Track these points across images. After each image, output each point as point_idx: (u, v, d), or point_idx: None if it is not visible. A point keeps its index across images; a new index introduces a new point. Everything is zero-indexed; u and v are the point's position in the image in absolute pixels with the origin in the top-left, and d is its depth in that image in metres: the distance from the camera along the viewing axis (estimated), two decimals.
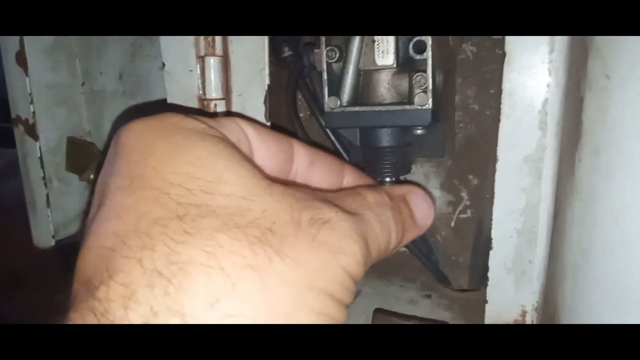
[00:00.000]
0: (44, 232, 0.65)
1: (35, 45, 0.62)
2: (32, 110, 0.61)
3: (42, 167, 0.63)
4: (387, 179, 0.40)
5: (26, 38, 0.60)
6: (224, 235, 0.22)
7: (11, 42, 0.60)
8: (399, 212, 0.31)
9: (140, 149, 0.25)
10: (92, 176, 0.60)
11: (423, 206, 0.34)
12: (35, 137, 0.62)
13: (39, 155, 0.62)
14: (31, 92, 0.61)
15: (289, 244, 0.23)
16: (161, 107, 0.49)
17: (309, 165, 0.34)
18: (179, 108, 0.47)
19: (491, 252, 0.38)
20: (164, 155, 0.25)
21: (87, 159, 0.64)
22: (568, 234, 0.34)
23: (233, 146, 0.27)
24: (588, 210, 0.32)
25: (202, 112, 0.46)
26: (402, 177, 0.41)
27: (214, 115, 0.46)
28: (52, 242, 0.65)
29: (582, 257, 0.33)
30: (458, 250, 0.46)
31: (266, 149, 0.31)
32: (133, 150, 0.25)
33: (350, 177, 0.37)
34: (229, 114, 0.47)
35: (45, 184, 0.63)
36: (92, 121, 0.68)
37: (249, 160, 0.26)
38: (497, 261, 0.38)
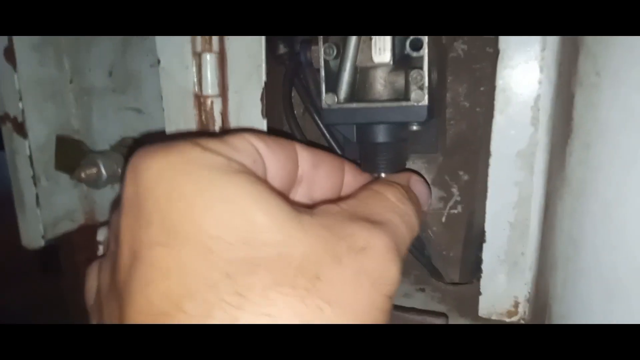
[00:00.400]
0: (34, 232, 0.64)
1: (24, 41, 0.61)
2: (21, 107, 0.61)
3: (32, 165, 0.62)
4: (383, 175, 0.41)
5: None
6: (276, 292, 0.22)
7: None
8: (415, 203, 0.32)
9: (167, 194, 0.25)
10: (82, 175, 0.60)
11: (423, 190, 0.35)
12: (24, 135, 0.62)
13: (28, 153, 0.62)
14: (20, 88, 0.60)
15: (335, 286, 0.24)
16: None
17: (312, 168, 0.34)
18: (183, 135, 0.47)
19: (484, 245, 0.39)
20: (196, 204, 0.24)
21: (77, 157, 0.63)
22: (559, 226, 0.35)
23: (255, 178, 0.26)
24: (578, 203, 0.33)
25: (201, 109, 0.47)
26: None
27: (212, 110, 0.46)
28: (42, 242, 0.64)
29: (572, 248, 0.34)
30: (449, 245, 0.47)
31: (277, 161, 0.31)
32: (160, 196, 0.25)
33: (349, 174, 0.38)
34: (224, 112, 0.47)
35: (35, 183, 0.63)
36: (81, 118, 0.68)
37: (272, 190, 0.26)
38: (490, 253, 0.39)
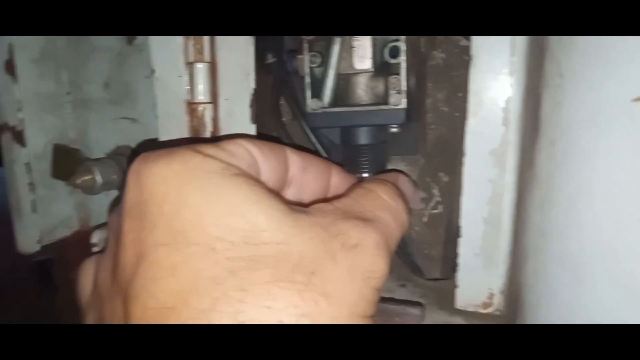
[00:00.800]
0: (30, 237, 0.66)
1: (24, 54, 0.64)
2: (20, 117, 0.63)
3: (30, 173, 0.64)
4: (366, 175, 0.43)
5: (16, 47, 0.62)
6: (276, 287, 0.24)
7: (0, 51, 0.63)
8: (404, 201, 0.34)
9: (171, 199, 0.26)
10: (78, 181, 0.61)
11: (411, 189, 0.37)
12: (23, 144, 0.64)
13: (26, 161, 0.64)
14: (20, 99, 0.63)
15: (329, 280, 0.25)
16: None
17: (302, 171, 0.36)
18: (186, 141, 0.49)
19: (460, 240, 0.41)
20: (199, 207, 0.26)
21: (73, 165, 0.65)
22: (529, 219, 0.37)
23: (253, 181, 0.28)
24: (546, 196, 0.36)
25: (193, 115, 0.49)
26: None
27: (203, 117, 0.49)
28: (38, 247, 0.66)
29: (541, 240, 0.36)
30: (431, 244, 0.49)
31: (269, 164, 0.32)
32: (164, 200, 0.26)
33: (337, 176, 0.39)
34: (216, 118, 0.49)
35: (32, 190, 0.65)
36: (78, 128, 0.70)
37: (269, 192, 0.28)
38: (466, 248, 0.41)
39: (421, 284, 0.47)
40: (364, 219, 0.29)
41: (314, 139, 0.49)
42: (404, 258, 0.47)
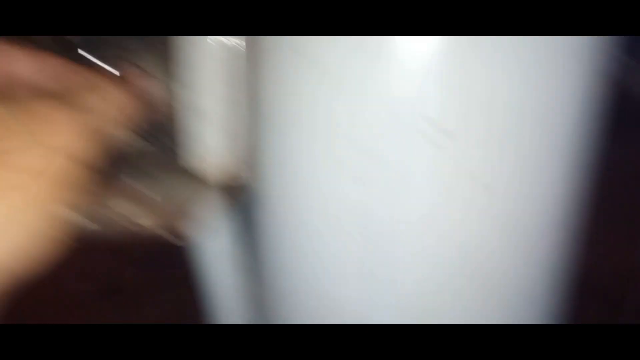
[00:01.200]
0: None
1: None
2: None
3: None
4: (107, 67, 0.44)
5: None
6: None
7: None
8: (133, 91, 0.36)
9: None
10: None
11: (143, 82, 0.39)
12: None
13: None
14: None
15: (26, 158, 0.26)
16: None
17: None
18: None
19: (203, 119, 0.46)
20: None
21: None
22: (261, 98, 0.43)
23: None
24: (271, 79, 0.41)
25: None
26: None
27: None
28: None
29: (271, 114, 0.42)
30: (181, 129, 0.52)
31: None
32: None
33: (56, 68, 0.37)
34: None
35: None
36: None
37: None
38: (209, 126, 0.46)
39: (175, 167, 0.50)
40: (73, 105, 0.30)
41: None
42: (152, 142, 0.49)
